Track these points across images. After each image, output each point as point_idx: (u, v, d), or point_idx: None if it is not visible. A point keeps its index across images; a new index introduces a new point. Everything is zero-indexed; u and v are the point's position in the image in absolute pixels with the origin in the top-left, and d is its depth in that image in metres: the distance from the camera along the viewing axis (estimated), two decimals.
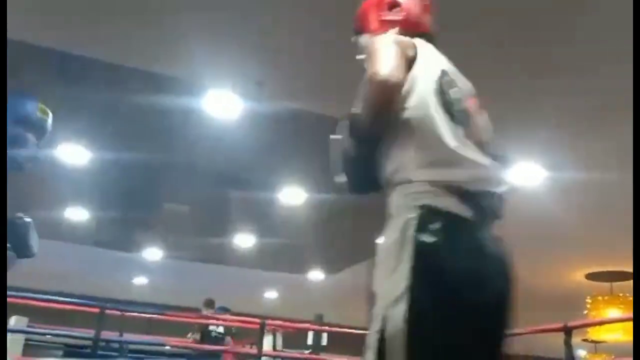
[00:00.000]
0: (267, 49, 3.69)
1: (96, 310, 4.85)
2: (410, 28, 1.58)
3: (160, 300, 10.06)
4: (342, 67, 3.82)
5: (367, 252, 6.22)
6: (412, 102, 1.38)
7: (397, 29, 1.56)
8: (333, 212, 6.52)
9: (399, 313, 1.19)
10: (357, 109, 1.45)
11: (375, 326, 1.23)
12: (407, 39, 1.49)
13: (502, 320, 1.34)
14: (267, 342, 6.85)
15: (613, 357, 11.92)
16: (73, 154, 5.38)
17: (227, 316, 6.68)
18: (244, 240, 7.86)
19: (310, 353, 7.17)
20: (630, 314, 7.12)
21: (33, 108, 2.25)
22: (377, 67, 1.37)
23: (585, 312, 7.59)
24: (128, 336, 6.81)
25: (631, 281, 7.68)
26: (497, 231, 1.36)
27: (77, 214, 7.16)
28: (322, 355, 6.98)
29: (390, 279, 1.25)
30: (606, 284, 7.75)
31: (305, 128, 4.67)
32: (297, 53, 3.72)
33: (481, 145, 1.41)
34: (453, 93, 1.42)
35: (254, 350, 5.72)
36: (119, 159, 5.36)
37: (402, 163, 1.37)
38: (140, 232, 7.60)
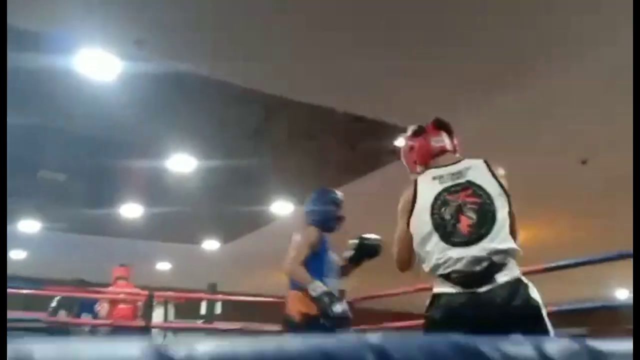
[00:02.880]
0: (146, 3, 3.43)
1: None
2: (426, 159, 2.30)
3: (44, 274, 9.47)
4: (229, 25, 3.69)
5: (261, 220, 6.14)
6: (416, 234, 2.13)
7: (419, 165, 2.33)
8: (225, 180, 6.38)
9: None
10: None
11: None
12: (408, 191, 2.20)
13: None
14: (159, 315, 6.67)
15: None
16: None
17: (111, 289, 6.43)
18: (131, 210, 7.51)
19: (203, 322, 7.07)
20: None
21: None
22: (393, 251, 2.28)
23: None
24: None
25: None
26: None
27: None
28: (216, 324, 6.91)
29: None
30: None
31: (192, 91, 4.46)
32: (179, 10, 3.49)
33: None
34: (443, 212, 2.06)
35: (141, 323, 5.52)
36: None
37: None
38: (13, 203, 7.02)
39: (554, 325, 2.02)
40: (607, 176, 5.74)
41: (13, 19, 3.50)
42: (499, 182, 2.12)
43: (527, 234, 8.19)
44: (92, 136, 5.16)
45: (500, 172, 2.16)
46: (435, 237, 2.04)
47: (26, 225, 8.13)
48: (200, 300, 7.16)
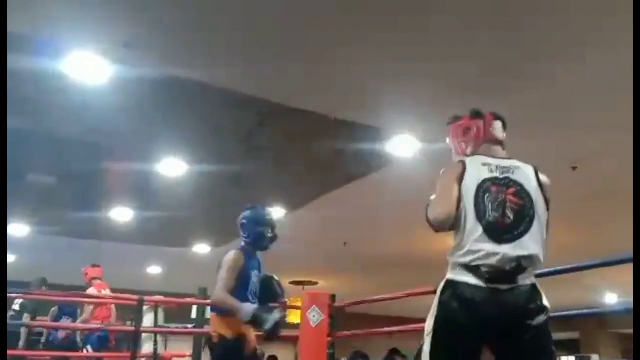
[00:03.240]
0: (135, 6, 3.41)
1: None
2: (479, 143, 2.30)
3: (32, 278, 9.41)
4: (222, 29, 3.68)
5: None
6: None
7: (470, 147, 2.31)
8: (216, 184, 6.36)
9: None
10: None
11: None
12: (457, 166, 2.17)
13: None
14: (149, 319, 6.62)
15: None
16: None
17: (104, 294, 6.40)
18: (122, 213, 7.47)
19: (194, 326, 7.03)
20: None
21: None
22: (428, 212, 2.16)
23: None
24: None
25: None
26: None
27: None
28: (206, 328, 6.88)
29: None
30: None
31: (183, 95, 4.45)
32: (171, 13, 3.48)
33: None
34: (486, 199, 2.06)
35: (131, 328, 5.49)
36: None
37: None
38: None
39: None
40: (597, 182, 5.78)
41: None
42: (543, 190, 2.16)
43: None
44: (82, 139, 5.13)
45: (546, 180, 2.21)
46: (474, 221, 2.04)
47: (15, 229, 8.07)
48: (190, 304, 7.10)
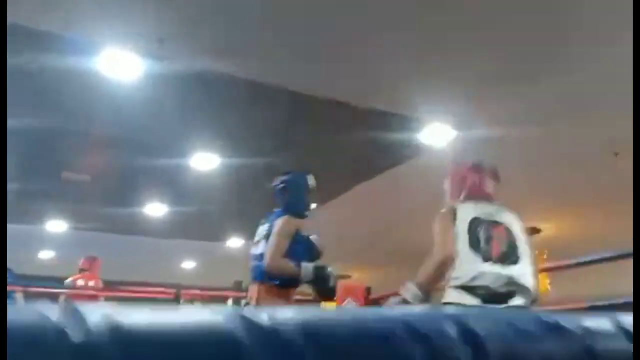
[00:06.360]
0: (167, 2, 3.42)
1: None
2: (471, 195, 2.46)
3: (71, 273, 9.63)
4: (249, 25, 3.67)
5: None
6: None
7: (463, 196, 2.46)
8: (248, 177, 6.36)
9: None
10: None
11: None
12: (448, 211, 2.36)
13: None
14: None
15: None
16: None
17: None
18: (155, 209, 7.56)
19: None
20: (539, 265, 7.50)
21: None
22: (435, 250, 2.27)
23: None
24: None
25: (536, 235, 8.11)
26: None
27: None
28: None
29: None
30: None
31: (213, 90, 4.45)
32: (200, 8, 3.48)
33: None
34: (478, 231, 2.25)
35: None
36: (11, 126, 4.91)
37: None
38: (40, 203, 7.14)
39: None
40: None
41: (34, 21, 3.52)
42: (525, 234, 2.38)
43: (556, 227, 8.02)
44: (115, 136, 5.19)
45: (524, 227, 2.42)
46: (468, 249, 2.22)
47: (53, 225, 8.25)
48: (226, 297, 7.15)
